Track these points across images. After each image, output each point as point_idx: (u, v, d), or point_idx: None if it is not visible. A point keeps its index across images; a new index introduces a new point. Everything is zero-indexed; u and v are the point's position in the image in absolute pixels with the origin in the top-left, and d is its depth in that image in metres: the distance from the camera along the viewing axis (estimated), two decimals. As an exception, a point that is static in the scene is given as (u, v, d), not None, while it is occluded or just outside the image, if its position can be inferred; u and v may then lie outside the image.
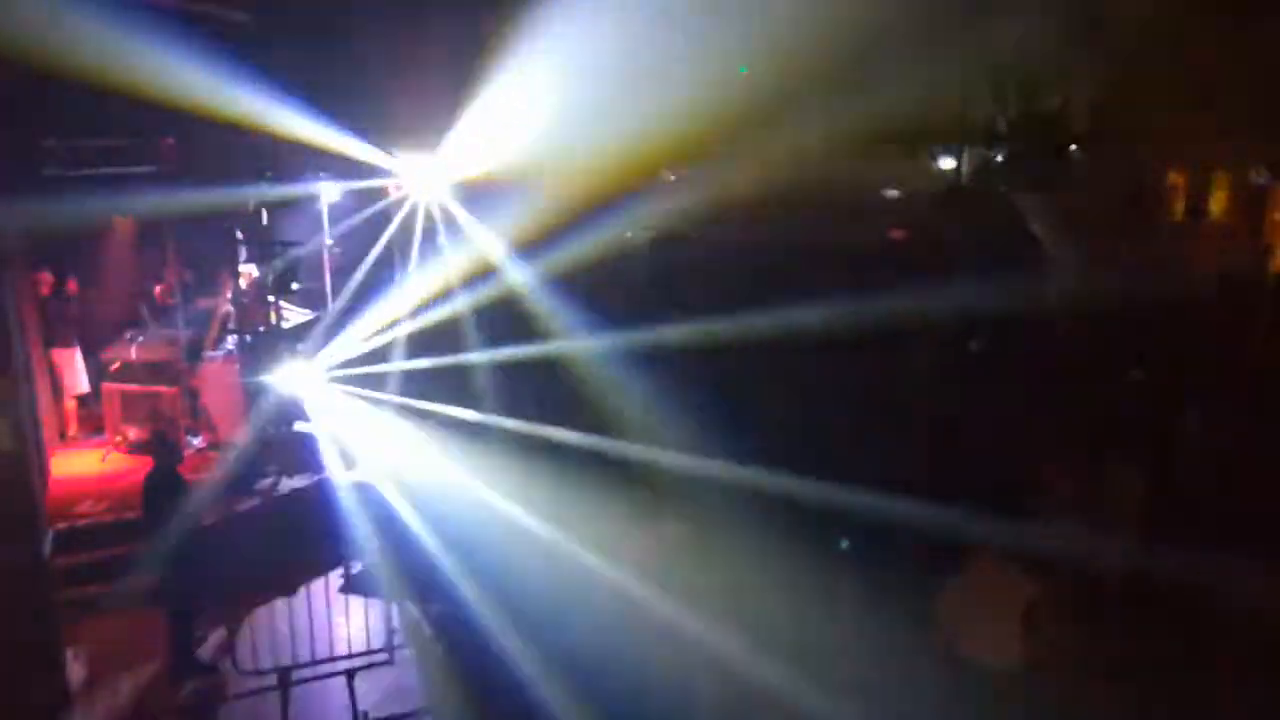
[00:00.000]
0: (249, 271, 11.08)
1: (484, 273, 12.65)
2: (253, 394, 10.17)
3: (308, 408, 10.57)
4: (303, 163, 11.09)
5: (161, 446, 7.85)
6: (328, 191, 12.17)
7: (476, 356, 11.66)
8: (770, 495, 7.79)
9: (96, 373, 10.93)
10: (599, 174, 12.26)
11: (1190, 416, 8.15)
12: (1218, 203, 16.25)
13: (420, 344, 11.70)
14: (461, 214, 13.10)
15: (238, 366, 10.49)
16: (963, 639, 5.91)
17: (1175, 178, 15.84)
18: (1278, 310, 12.93)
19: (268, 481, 10.15)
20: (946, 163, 13.15)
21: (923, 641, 6.02)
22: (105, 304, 11.69)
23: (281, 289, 10.79)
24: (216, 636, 8.05)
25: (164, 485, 7.55)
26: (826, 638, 6.77)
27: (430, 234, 13.20)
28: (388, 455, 9.93)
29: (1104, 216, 12.68)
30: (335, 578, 9.04)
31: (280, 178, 10.57)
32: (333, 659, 7.44)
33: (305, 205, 11.92)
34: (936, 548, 6.57)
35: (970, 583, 5.95)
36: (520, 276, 12.58)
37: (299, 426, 10.42)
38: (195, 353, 10.86)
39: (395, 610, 7.79)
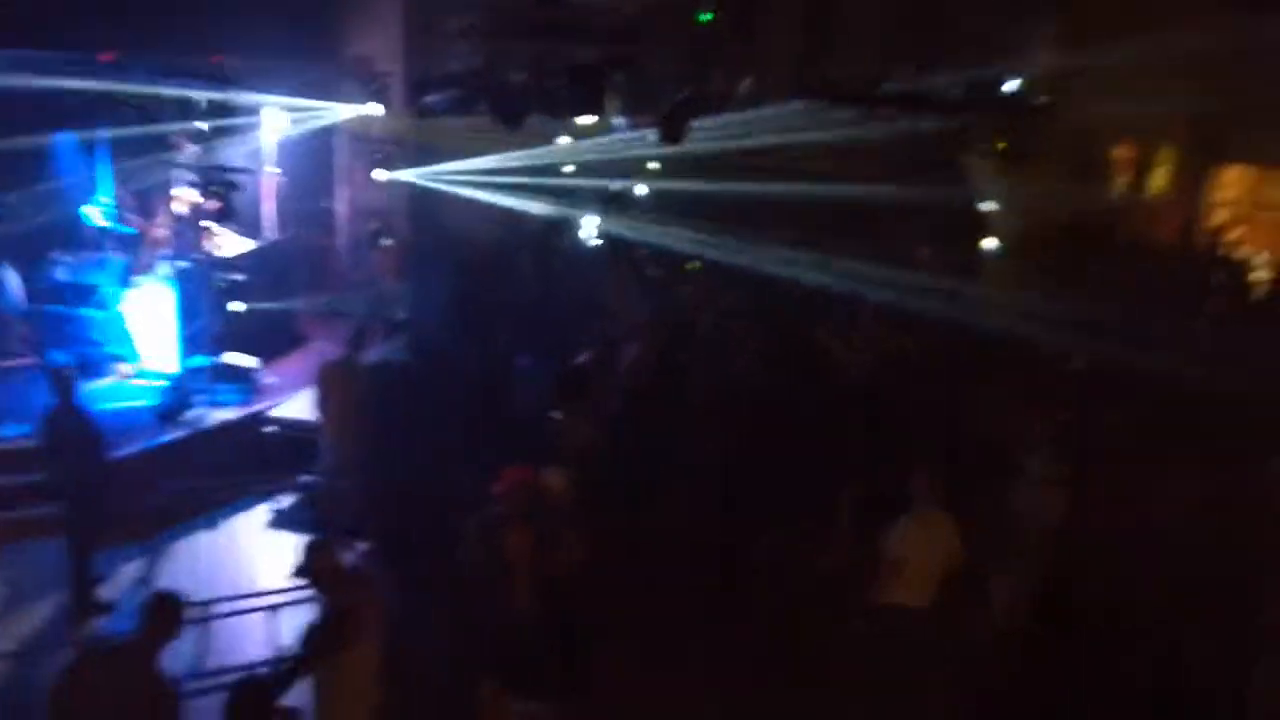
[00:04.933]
0: (186, 195, 10.79)
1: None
2: (183, 322, 9.99)
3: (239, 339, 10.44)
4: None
5: (59, 382, 7.31)
6: (273, 117, 11.87)
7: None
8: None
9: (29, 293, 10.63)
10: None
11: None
12: (1160, 177, 16.52)
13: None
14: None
15: (170, 293, 10.26)
16: (897, 578, 6.04)
17: (1123, 150, 16.04)
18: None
19: (195, 412, 10.00)
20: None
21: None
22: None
23: (220, 216, 10.52)
24: (132, 570, 7.95)
25: (63, 422, 7.13)
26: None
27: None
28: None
29: (1052, 185, 12.86)
30: (262, 512, 9.04)
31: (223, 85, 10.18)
32: (255, 594, 7.45)
33: (246, 130, 11.61)
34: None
35: (917, 521, 6.07)
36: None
37: (229, 359, 10.27)
38: (126, 278, 10.60)
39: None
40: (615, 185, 13.68)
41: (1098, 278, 12.33)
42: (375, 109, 12.08)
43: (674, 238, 12.52)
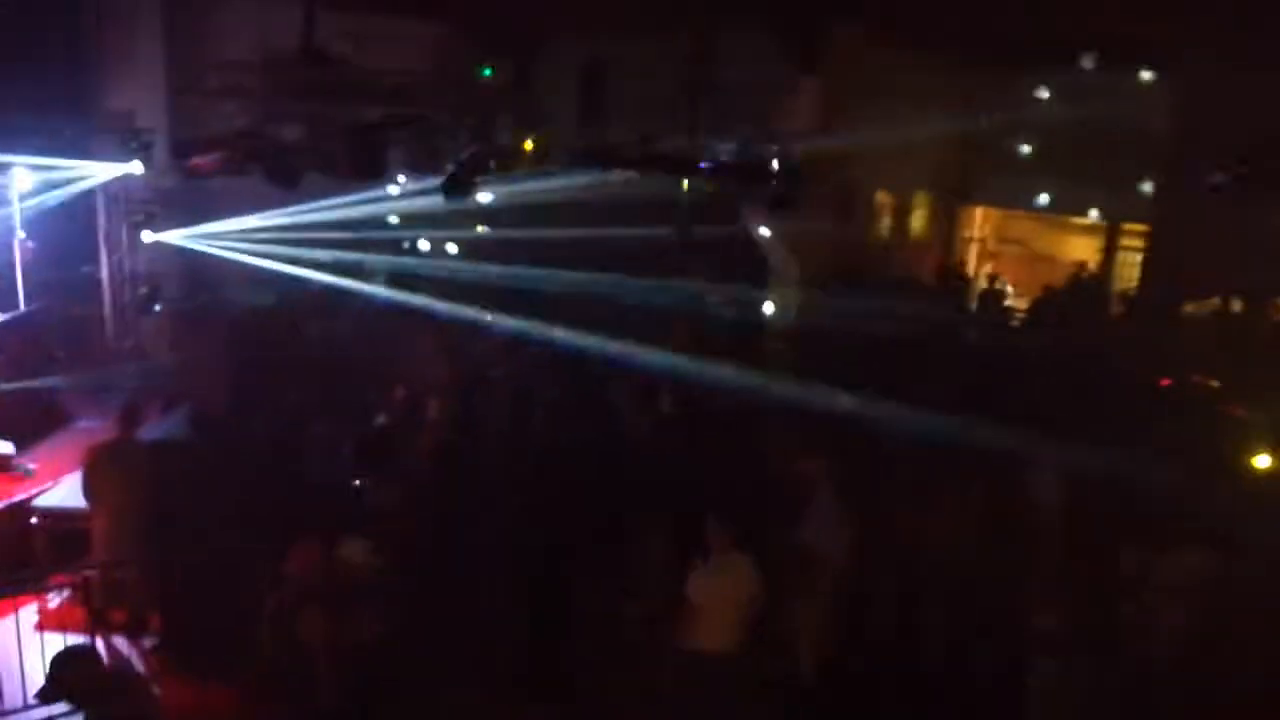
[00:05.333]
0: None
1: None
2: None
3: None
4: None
5: None
6: (21, 177, 10.95)
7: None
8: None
9: None
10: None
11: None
12: (918, 220, 18.10)
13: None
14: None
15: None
16: (700, 625, 6.22)
17: (883, 197, 17.46)
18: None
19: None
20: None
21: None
22: None
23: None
24: None
25: None
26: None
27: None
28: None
29: (819, 233, 13.79)
30: (30, 613, 8.20)
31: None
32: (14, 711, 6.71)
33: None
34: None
35: (715, 569, 6.24)
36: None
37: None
38: None
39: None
40: (406, 239, 13.51)
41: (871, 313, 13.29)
42: (138, 167, 11.38)
43: (470, 291, 12.51)
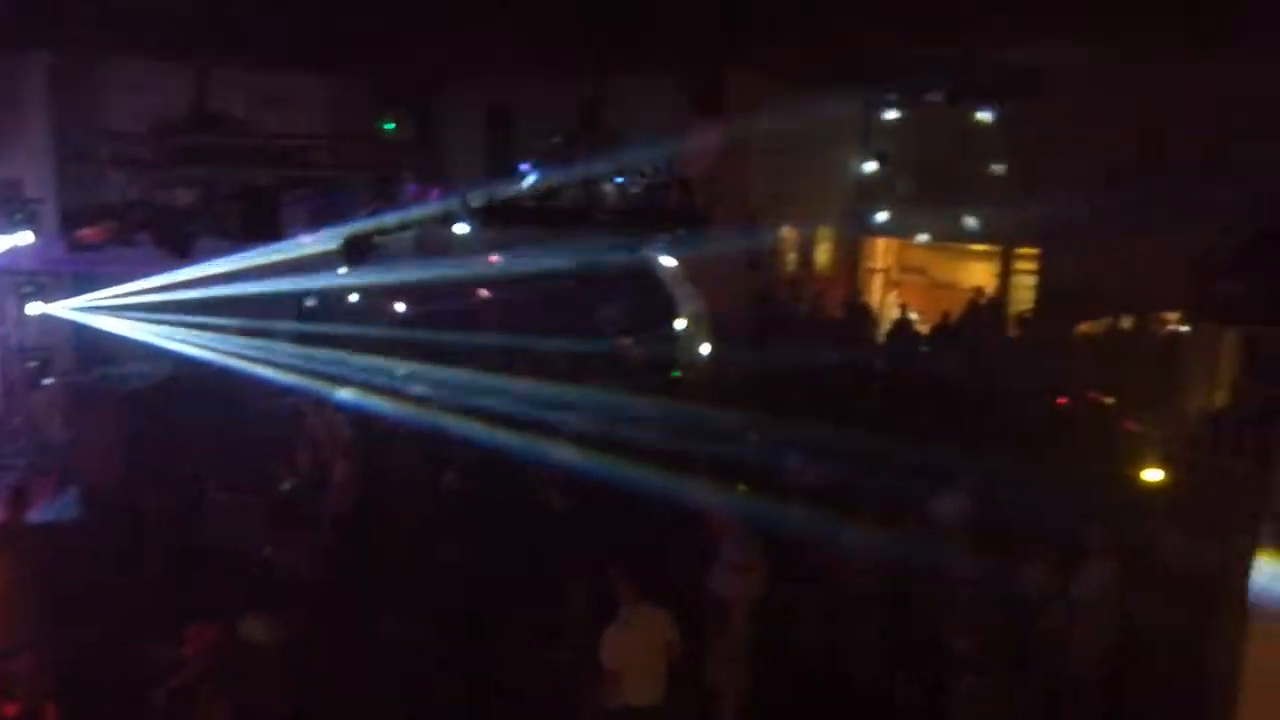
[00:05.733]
0: None
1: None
2: None
3: None
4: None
5: None
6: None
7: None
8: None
9: None
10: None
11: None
12: (823, 254, 18.51)
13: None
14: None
15: None
16: (621, 682, 6.13)
17: (788, 233, 17.82)
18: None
19: None
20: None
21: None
22: None
23: None
24: None
25: None
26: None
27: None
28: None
29: (726, 272, 14.00)
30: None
31: None
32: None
33: None
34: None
35: (625, 625, 6.17)
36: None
37: None
38: None
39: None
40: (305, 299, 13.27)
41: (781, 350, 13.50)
42: (26, 238, 10.98)
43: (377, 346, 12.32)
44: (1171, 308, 12.51)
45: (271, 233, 9.25)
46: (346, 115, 14.96)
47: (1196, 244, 9.67)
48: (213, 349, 11.88)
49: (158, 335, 11.79)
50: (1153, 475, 8.45)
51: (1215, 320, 7.52)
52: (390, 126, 14.53)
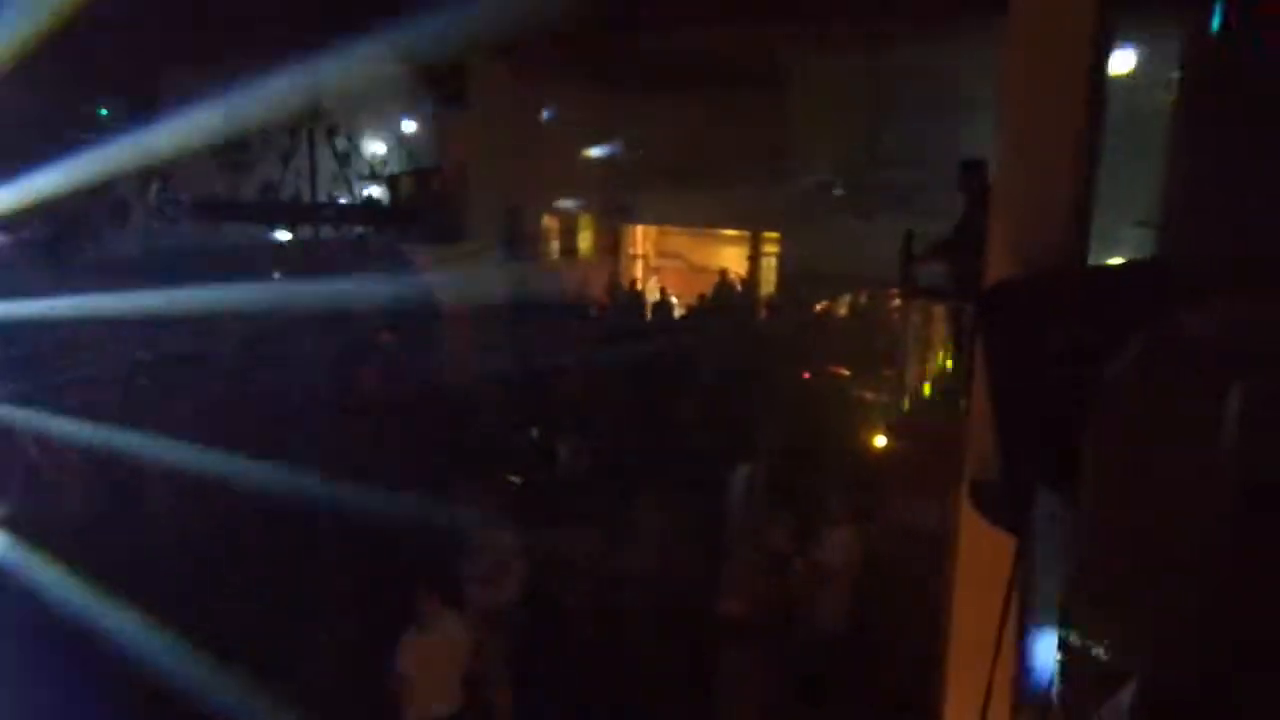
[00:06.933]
0: None
1: None
2: None
3: None
4: None
5: None
6: None
7: None
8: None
9: None
10: None
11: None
12: (584, 241, 18.80)
13: None
14: None
15: None
16: (418, 692, 6.03)
17: (550, 221, 17.93)
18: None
19: None
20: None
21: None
22: None
23: None
24: None
25: None
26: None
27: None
28: None
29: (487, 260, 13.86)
30: None
31: None
32: None
33: None
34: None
35: (425, 632, 6.09)
36: None
37: None
38: None
39: None
40: None
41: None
42: None
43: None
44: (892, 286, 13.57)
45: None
46: (63, 100, 13.55)
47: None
48: None
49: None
50: (879, 442, 9.20)
51: (922, 298, 8.27)
52: (104, 113, 13.30)
